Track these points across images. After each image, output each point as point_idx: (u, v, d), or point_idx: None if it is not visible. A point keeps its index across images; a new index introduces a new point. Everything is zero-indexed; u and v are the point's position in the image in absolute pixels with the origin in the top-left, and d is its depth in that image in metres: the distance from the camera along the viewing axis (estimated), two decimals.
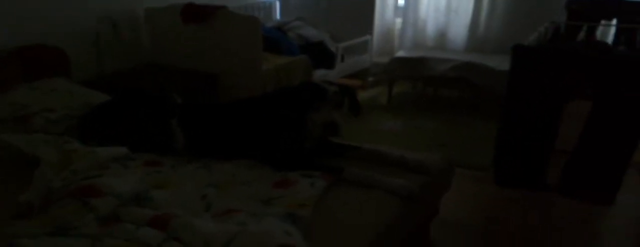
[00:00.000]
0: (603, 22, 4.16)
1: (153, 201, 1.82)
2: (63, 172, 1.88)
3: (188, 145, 2.35)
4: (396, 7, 5.66)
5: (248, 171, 2.16)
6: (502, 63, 4.55)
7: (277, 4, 5.66)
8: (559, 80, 2.67)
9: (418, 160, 2.29)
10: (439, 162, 2.39)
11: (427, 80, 5.00)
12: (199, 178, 2.08)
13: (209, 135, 2.38)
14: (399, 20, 5.65)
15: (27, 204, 1.74)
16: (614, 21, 4.10)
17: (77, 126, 2.56)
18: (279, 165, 2.18)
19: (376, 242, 1.80)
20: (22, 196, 1.77)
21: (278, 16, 5.66)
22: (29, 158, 2.08)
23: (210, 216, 1.78)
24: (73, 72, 3.42)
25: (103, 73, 3.75)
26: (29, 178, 1.91)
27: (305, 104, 2.22)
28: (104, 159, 2.02)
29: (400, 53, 5.10)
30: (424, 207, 2.38)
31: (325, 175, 2.07)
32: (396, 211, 2.00)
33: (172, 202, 1.84)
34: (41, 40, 3.29)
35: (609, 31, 4.37)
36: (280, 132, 2.28)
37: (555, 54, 2.68)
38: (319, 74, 4.59)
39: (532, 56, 2.71)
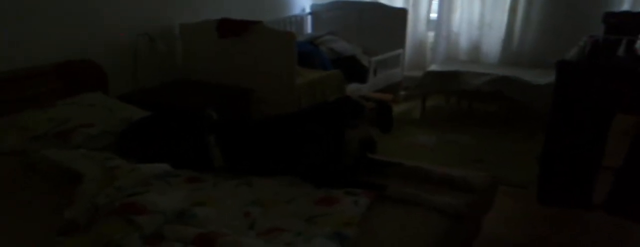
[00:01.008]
0: None
1: (197, 218, 1.80)
2: (107, 189, 1.87)
3: (226, 163, 2.33)
4: (428, 20, 5.62)
5: (290, 188, 2.13)
6: (537, 77, 4.49)
7: (309, 18, 5.67)
8: (605, 96, 2.61)
9: (463, 177, 2.24)
10: (483, 180, 2.34)
11: (461, 95, 4.95)
12: (241, 195, 2.05)
13: (247, 153, 2.35)
14: (431, 34, 5.61)
15: (72, 220, 1.74)
16: None
17: (116, 142, 2.56)
18: (320, 182, 2.15)
19: None
20: (67, 213, 1.76)
21: (310, 30, 5.66)
22: (71, 174, 2.08)
23: (255, 235, 1.75)
24: (109, 88, 3.44)
25: (139, 88, 3.78)
26: (72, 194, 1.91)
27: (343, 120, 2.20)
28: (147, 175, 2.01)
29: (434, 67, 5.06)
30: (469, 226, 2.32)
31: (367, 192, 2.03)
32: (442, 230, 1.95)
33: (216, 220, 1.82)
34: (79, 56, 3.32)
35: None
36: (319, 149, 2.25)
37: (602, 70, 2.61)
38: (352, 88, 4.57)
39: (577, 72, 2.65)
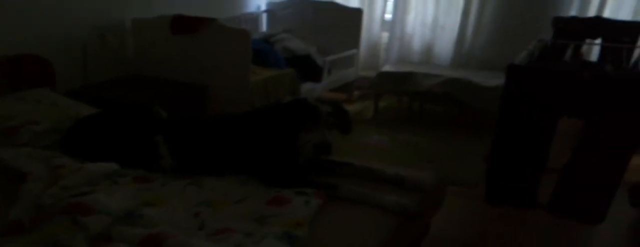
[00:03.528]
0: (588, 40, 4.22)
1: (145, 218, 1.77)
2: (53, 188, 1.83)
3: (175, 162, 2.28)
4: (383, 21, 5.68)
5: (240, 188, 2.12)
6: (487, 79, 4.59)
7: (264, 16, 5.65)
8: (552, 99, 2.69)
9: (413, 177, 2.27)
10: (433, 179, 2.38)
11: (413, 95, 5.01)
12: (190, 195, 2.03)
13: (197, 152, 2.32)
14: (385, 35, 5.68)
15: (17, 221, 1.69)
16: (599, 40, 4.16)
17: (62, 140, 2.49)
18: (271, 181, 2.15)
19: None
20: (11, 213, 1.71)
21: (265, 28, 5.64)
22: (16, 173, 2.01)
23: (205, 235, 1.74)
24: (57, 83, 3.35)
25: (88, 84, 3.68)
26: (16, 194, 1.85)
27: (299, 124, 2.20)
28: (94, 174, 1.97)
29: (387, 67, 5.11)
30: (418, 225, 2.36)
31: (319, 192, 2.04)
32: (391, 229, 1.98)
33: (164, 220, 1.79)
34: (26, 50, 3.22)
35: (592, 49, 4.45)
36: (272, 150, 2.25)
37: (550, 74, 2.69)
38: (306, 87, 4.57)
39: (526, 75, 2.72)
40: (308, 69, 4.76)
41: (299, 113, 2.22)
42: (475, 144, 4.24)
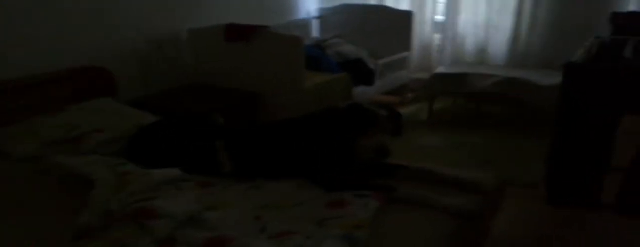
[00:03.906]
0: None
1: (208, 222, 1.81)
2: (120, 194, 1.89)
3: (235, 168, 2.33)
4: (434, 23, 5.63)
5: (299, 191, 2.14)
6: (544, 78, 4.49)
7: (315, 22, 5.69)
8: (614, 97, 2.61)
9: (472, 179, 2.24)
10: (492, 181, 2.34)
11: (468, 97, 4.95)
12: (251, 199, 2.07)
13: (256, 157, 2.36)
14: (437, 36, 5.62)
15: (86, 225, 1.76)
16: None
17: (126, 148, 2.58)
18: (329, 185, 2.16)
19: None
20: (82, 218, 1.79)
21: (316, 34, 5.68)
22: (84, 180, 2.10)
23: (266, 238, 1.77)
24: (119, 93, 3.47)
25: (148, 94, 3.80)
26: (85, 200, 1.93)
27: (358, 129, 2.22)
28: (158, 181, 2.03)
29: (441, 69, 5.07)
30: (479, 228, 2.33)
31: (377, 195, 2.04)
32: (451, 231, 1.96)
33: (227, 224, 1.83)
34: (89, 62, 3.36)
35: None
36: (330, 156, 2.26)
37: (609, 71, 2.61)
38: (359, 91, 4.58)
39: (584, 74, 2.65)
40: (360, 73, 4.77)
41: (356, 118, 2.23)
42: (534, 144, 4.15)
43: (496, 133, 4.53)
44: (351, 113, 2.27)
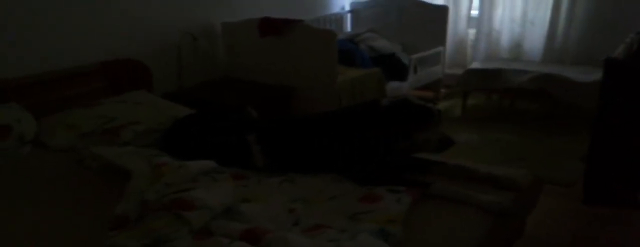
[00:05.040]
0: None
1: (243, 214, 1.83)
2: (156, 185, 1.92)
3: (268, 161, 2.35)
4: (469, 18, 5.56)
5: (333, 185, 2.14)
6: (581, 74, 4.41)
7: (349, 16, 5.67)
8: None
9: (508, 175, 2.22)
10: (528, 178, 2.31)
11: (503, 93, 4.88)
12: (285, 192, 2.08)
13: (289, 151, 2.37)
14: (472, 31, 5.56)
15: (123, 215, 1.79)
16: None
17: (161, 139, 2.62)
18: (363, 179, 2.16)
19: None
20: (118, 208, 1.82)
21: (349, 28, 5.66)
22: (120, 171, 2.13)
23: (300, 231, 1.77)
24: (154, 86, 3.52)
25: (183, 86, 3.85)
26: (121, 191, 1.96)
27: (415, 124, 2.23)
28: (194, 172, 2.05)
29: (475, 65, 5.01)
30: (513, 225, 2.30)
31: (411, 190, 2.02)
32: (486, 228, 1.94)
33: (261, 216, 1.84)
34: (124, 55, 3.40)
35: None
36: (365, 152, 2.25)
37: None
38: (392, 86, 4.55)
39: (625, 70, 2.59)
40: (394, 67, 4.75)
41: (411, 113, 2.23)
42: (570, 141, 4.08)
43: (530, 130, 4.46)
44: (403, 108, 2.25)
